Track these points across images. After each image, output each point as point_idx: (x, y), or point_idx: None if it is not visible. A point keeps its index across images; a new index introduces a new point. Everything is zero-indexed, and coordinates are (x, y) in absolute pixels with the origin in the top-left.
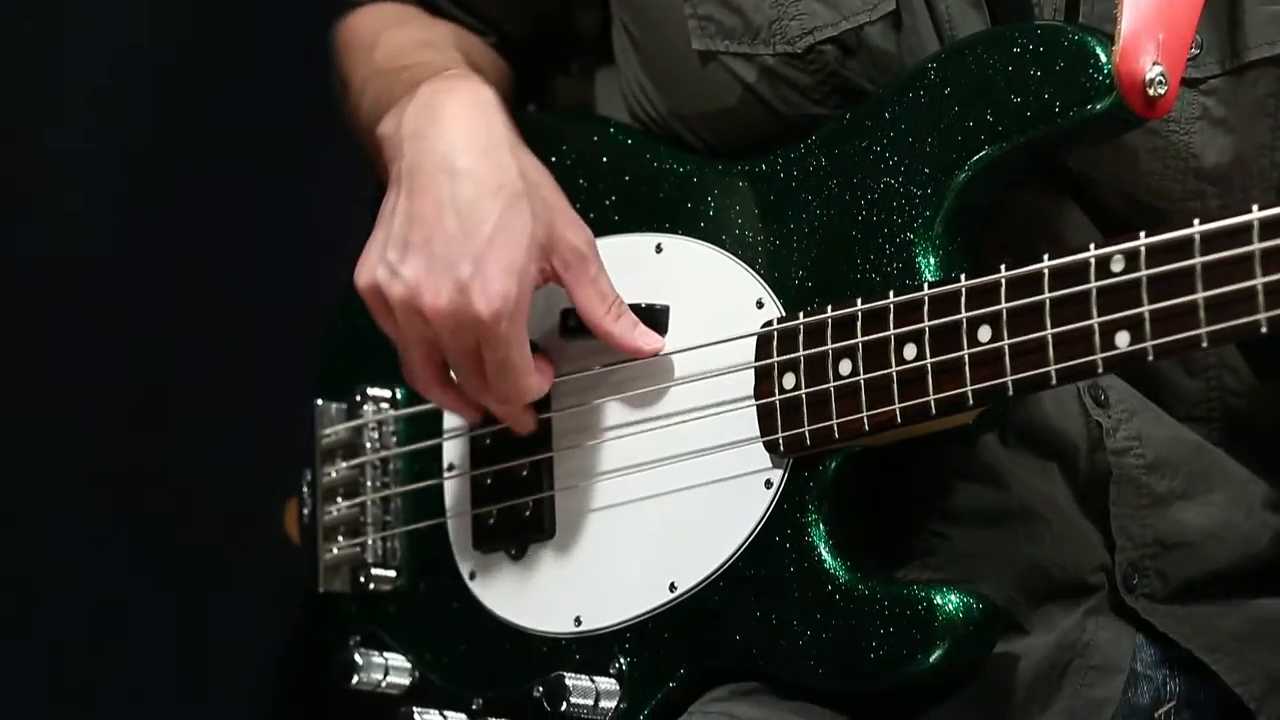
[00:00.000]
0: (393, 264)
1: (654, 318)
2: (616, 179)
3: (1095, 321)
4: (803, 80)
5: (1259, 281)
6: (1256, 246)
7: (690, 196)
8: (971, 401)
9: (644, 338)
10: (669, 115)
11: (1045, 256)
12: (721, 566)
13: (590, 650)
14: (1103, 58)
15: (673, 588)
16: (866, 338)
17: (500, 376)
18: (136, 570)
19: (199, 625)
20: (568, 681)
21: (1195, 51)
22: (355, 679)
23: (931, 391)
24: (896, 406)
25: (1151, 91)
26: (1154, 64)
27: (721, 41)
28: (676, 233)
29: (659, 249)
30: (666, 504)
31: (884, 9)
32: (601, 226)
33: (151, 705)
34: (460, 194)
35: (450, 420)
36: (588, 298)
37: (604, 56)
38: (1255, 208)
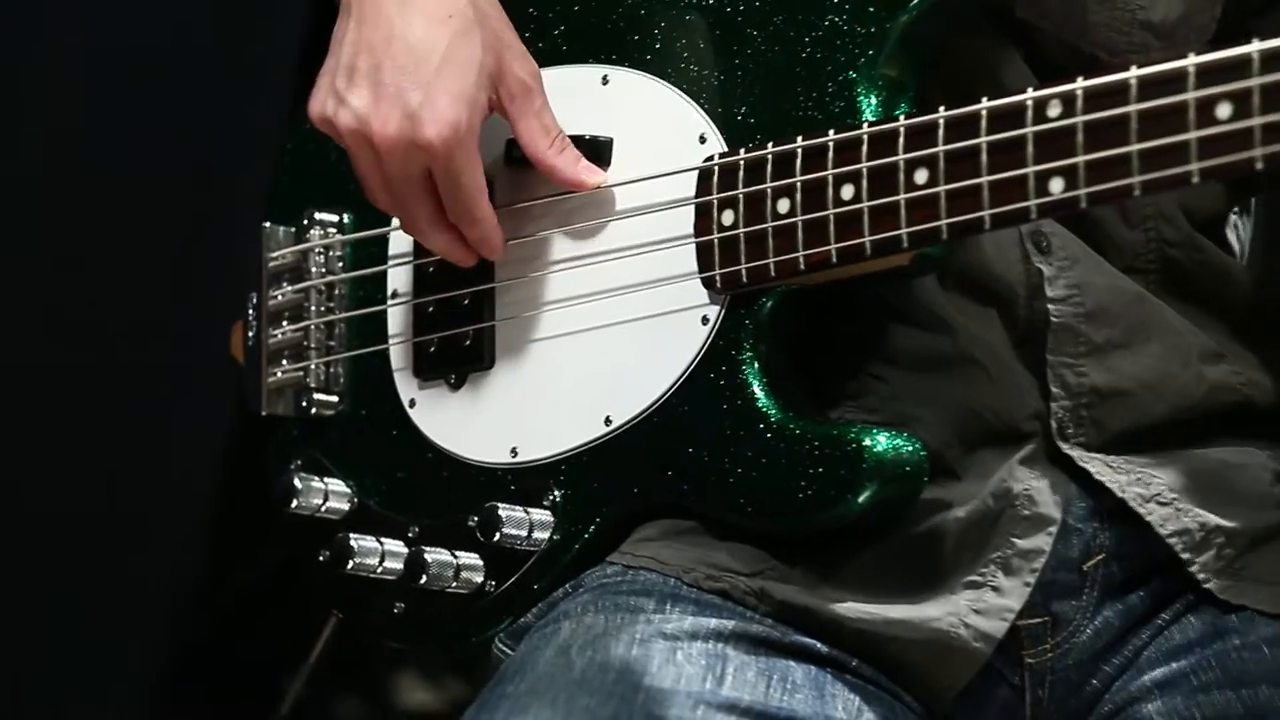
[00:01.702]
0: (341, 92)
1: (597, 150)
2: (565, 9)
3: (1030, 168)
4: None
5: (1193, 135)
6: (1191, 95)
7: (638, 29)
8: (906, 244)
9: (586, 172)
10: None
11: (984, 99)
12: (656, 401)
13: (525, 481)
14: None
15: (608, 421)
16: (805, 177)
17: (452, 202)
18: (83, 390)
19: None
20: (502, 512)
21: None
22: (294, 503)
23: (867, 232)
24: (832, 247)
25: None
26: None
27: None
28: (623, 65)
29: (605, 80)
30: (605, 337)
31: None
32: (549, 57)
33: (86, 521)
34: (410, 23)
35: (395, 247)
36: (531, 130)
37: None
38: (1192, 54)
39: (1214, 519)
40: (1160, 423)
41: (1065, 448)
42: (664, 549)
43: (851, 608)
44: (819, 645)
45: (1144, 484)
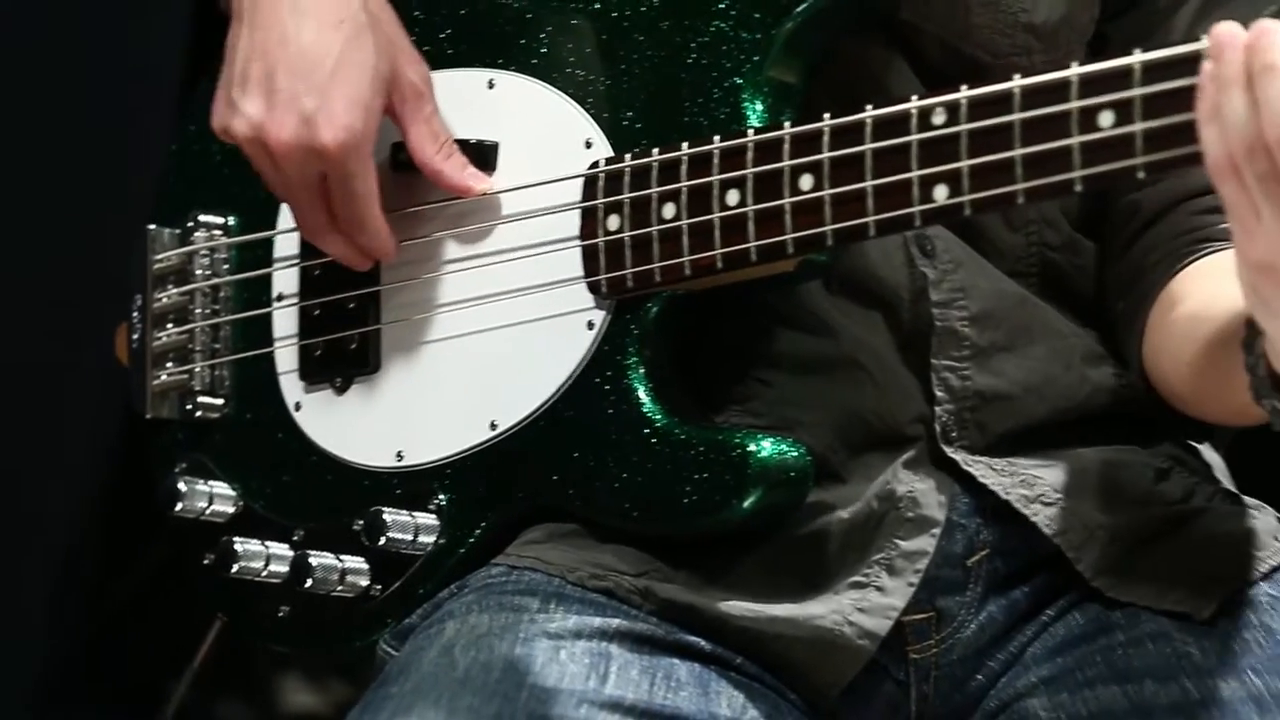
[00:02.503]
0: (235, 100)
1: (483, 154)
2: (452, 13)
3: (914, 174)
4: None
5: (1076, 142)
6: (1074, 104)
7: (525, 33)
8: (791, 249)
9: (472, 178)
10: None
11: (869, 106)
12: (542, 406)
13: (411, 485)
14: None
15: (493, 426)
16: (690, 182)
17: (346, 206)
18: None
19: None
20: (387, 516)
21: None
22: (179, 506)
23: (752, 238)
24: (718, 252)
25: None
26: None
27: None
28: (510, 69)
29: (491, 85)
30: (490, 342)
31: None
32: (435, 60)
33: None
34: (302, 28)
35: (281, 250)
36: (420, 135)
37: None
38: (1075, 64)
39: (1098, 517)
40: (1043, 424)
41: (949, 451)
42: (549, 550)
43: (736, 606)
44: (704, 643)
45: (1028, 485)
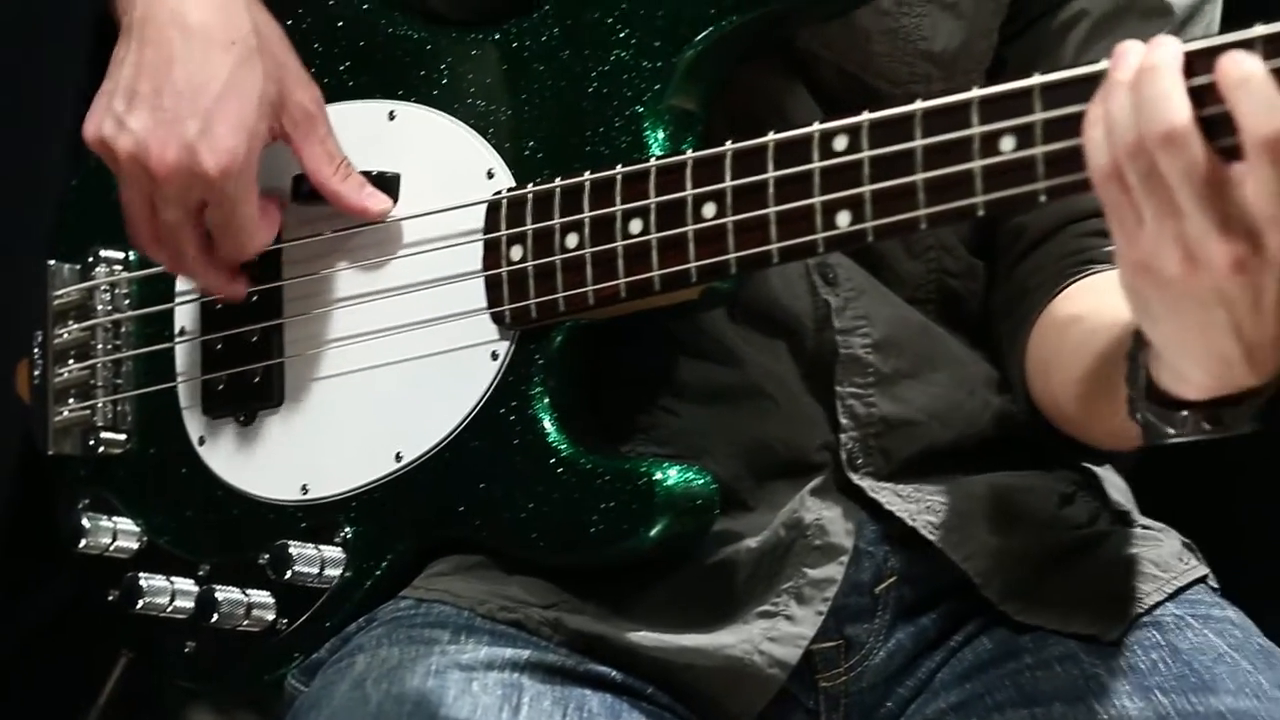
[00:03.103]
0: (120, 115)
1: (385, 185)
2: (351, 44)
3: (817, 200)
4: None
5: (976, 165)
6: (976, 130)
7: (425, 64)
8: (695, 278)
9: (372, 199)
10: None
11: (771, 132)
12: (447, 438)
13: (317, 519)
14: None
15: (399, 458)
16: (593, 211)
17: (225, 234)
18: None
19: None
20: (292, 550)
21: None
22: (83, 542)
23: (656, 266)
24: (621, 281)
25: None
26: None
27: None
28: (410, 100)
29: (392, 116)
30: (395, 373)
31: None
32: (335, 93)
33: None
34: (192, 47)
35: (183, 284)
36: (315, 157)
37: None
38: (975, 87)
39: (1003, 542)
40: (948, 450)
41: (855, 478)
42: (457, 582)
43: (646, 636)
44: (614, 674)
45: (934, 511)
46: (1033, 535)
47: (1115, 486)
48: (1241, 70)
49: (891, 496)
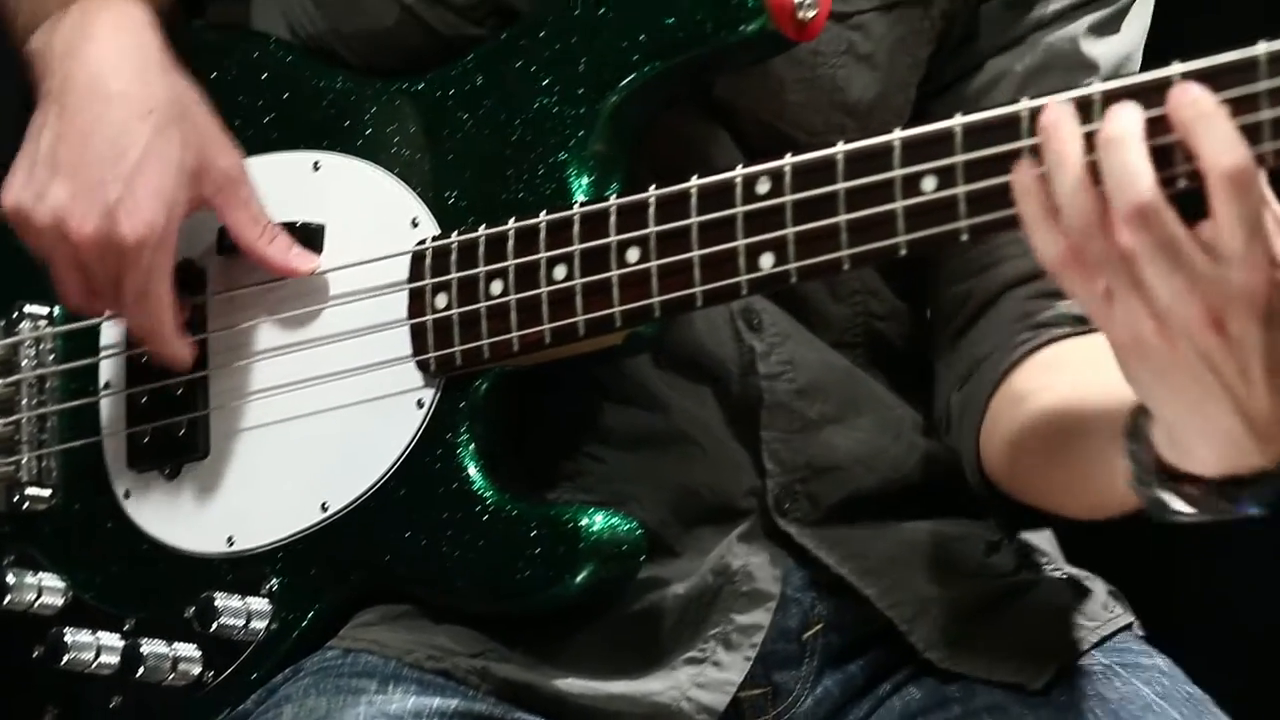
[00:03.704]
0: (40, 185)
1: (309, 236)
2: (275, 96)
3: (740, 243)
4: (460, 1)
5: (898, 205)
6: (898, 172)
7: (349, 114)
8: (619, 323)
9: (298, 259)
10: (328, 33)
11: (694, 177)
12: (373, 486)
13: (243, 570)
14: None
15: (325, 508)
16: (518, 259)
17: (138, 305)
18: None
19: None
20: (218, 602)
21: None
22: (7, 599)
23: (580, 312)
24: (546, 327)
25: (801, 15)
26: None
27: None
28: (335, 150)
29: (316, 166)
30: (321, 423)
31: None
32: (259, 144)
33: None
34: (110, 117)
35: (107, 338)
36: (240, 222)
37: None
38: (898, 129)
39: (930, 590)
40: (874, 495)
41: (782, 523)
42: (384, 632)
43: (574, 684)
44: None
45: (859, 557)
46: (959, 583)
47: (1042, 536)
48: (1200, 107)
49: (817, 542)
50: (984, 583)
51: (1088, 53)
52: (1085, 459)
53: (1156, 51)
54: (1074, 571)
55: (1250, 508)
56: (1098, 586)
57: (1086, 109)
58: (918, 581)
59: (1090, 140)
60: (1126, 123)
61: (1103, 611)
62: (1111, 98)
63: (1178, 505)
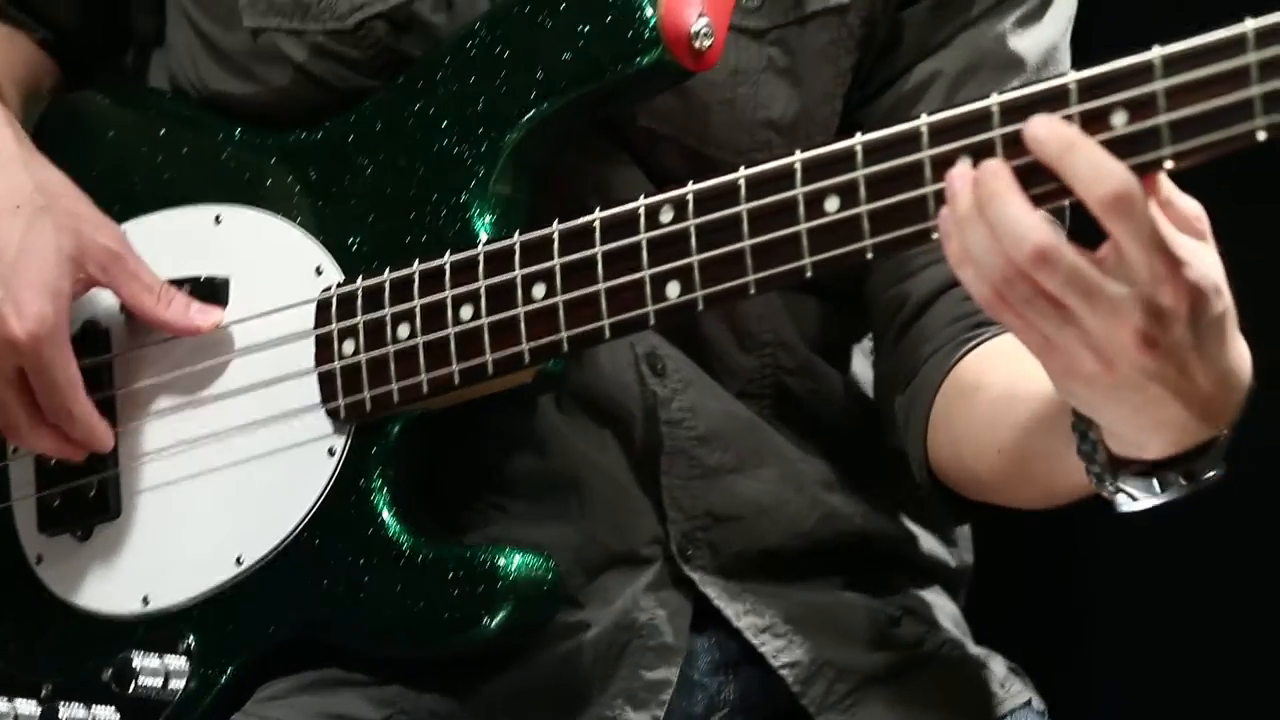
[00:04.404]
0: None
1: (213, 290)
2: (174, 151)
3: (646, 273)
4: (354, 55)
5: (802, 227)
6: (799, 190)
7: (248, 167)
8: (528, 359)
9: (200, 316)
10: (222, 92)
11: (597, 209)
12: (287, 537)
13: (159, 630)
14: (648, 11)
15: (239, 561)
16: (424, 300)
17: (50, 398)
18: None
19: None
20: (136, 662)
21: (755, 3)
22: None
23: (489, 350)
24: (455, 368)
25: (698, 44)
26: (700, 16)
27: (273, 19)
28: (235, 203)
29: (218, 220)
30: (232, 476)
31: None
32: (159, 200)
33: None
34: None
35: None
36: (133, 293)
37: (157, 37)
38: (798, 151)
39: (828, 653)
40: (774, 548)
41: (686, 569)
42: (286, 708)
43: None
44: None
45: (759, 614)
46: (859, 650)
47: (946, 613)
48: (1059, 141)
49: (719, 592)
50: (882, 653)
51: (1014, 48)
52: (1033, 451)
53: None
54: (975, 650)
55: (1209, 473)
56: (997, 664)
57: (986, 120)
58: (817, 643)
59: None
60: (997, 178)
61: (1000, 690)
62: (1010, 109)
63: (1141, 494)
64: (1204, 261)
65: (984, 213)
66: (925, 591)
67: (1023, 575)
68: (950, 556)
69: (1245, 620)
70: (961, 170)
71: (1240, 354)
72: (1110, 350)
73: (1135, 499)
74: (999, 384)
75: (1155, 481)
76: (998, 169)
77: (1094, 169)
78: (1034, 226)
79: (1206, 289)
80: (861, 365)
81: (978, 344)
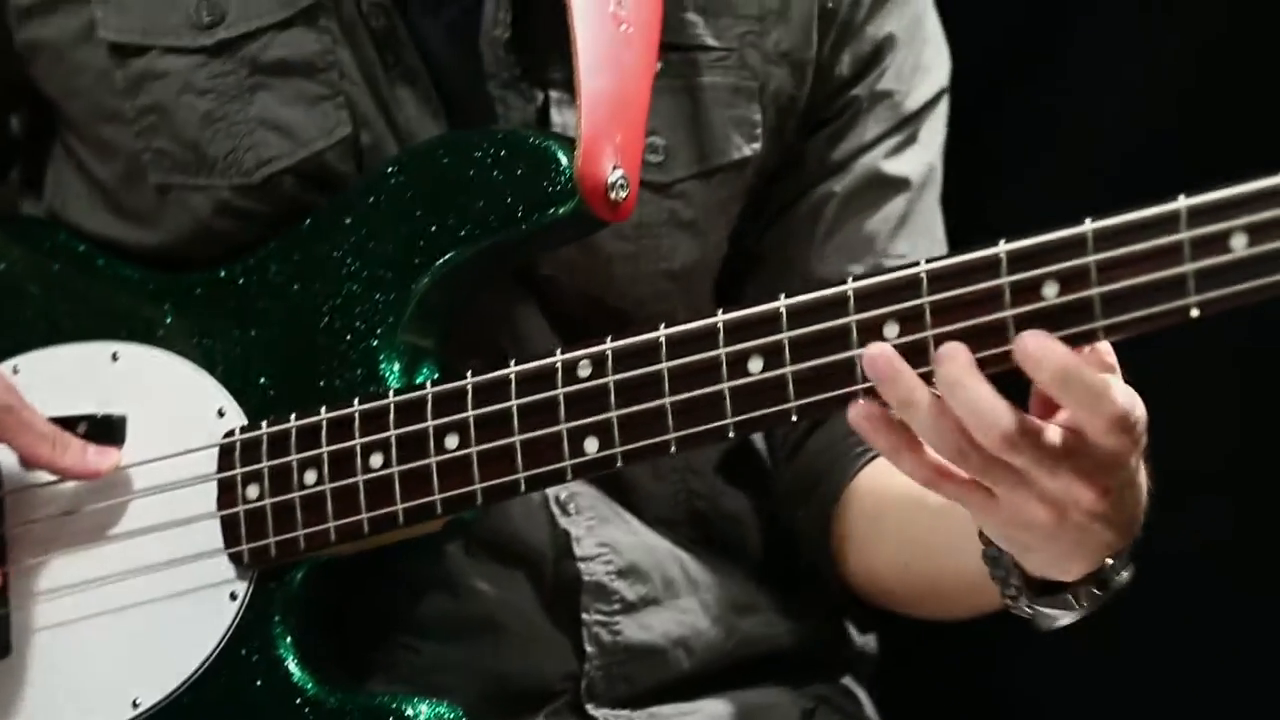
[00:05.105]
0: None
1: (109, 429)
2: (70, 287)
3: (563, 428)
4: (262, 210)
5: (725, 386)
6: (723, 350)
7: (148, 305)
8: (440, 510)
9: (96, 459)
10: (124, 241)
11: (512, 362)
12: (186, 681)
13: None
14: (564, 162)
15: (135, 704)
16: (332, 447)
17: None
18: None
19: None
20: None
21: (660, 158)
22: None
23: (399, 500)
24: (364, 516)
25: (613, 195)
26: (615, 168)
27: (178, 175)
28: (134, 340)
29: (115, 357)
30: (130, 618)
31: (340, 133)
32: (56, 335)
33: None
34: None
35: None
36: (27, 445)
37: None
38: (720, 312)
39: None
40: (690, 674)
41: (590, 708)
42: None
43: None
44: None
45: None
46: None
47: (860, 700)
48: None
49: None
50: None
51: (896, 171)
52: (941, 567)
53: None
54: None
55: (1122, 577)
56: None
57: (915, 286)
58: None
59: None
60: (955, 361)
61: None
62: (938, 276)
63: (1058, 615)
64: (1139, 404)
65: (946, 398)
66: (840, 681)
67: (937, 660)
68: (863, 645)
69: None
70: (883, 357)
71: (1144, 470)
72: (1067, 502)
73: (1054, 619)
74: (902, 501)
75: (1070, 597)
76: (954, 351)
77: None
78: (1003, 413)
79: (1143, 430)
80: (771, 480)
81: (875, 455)
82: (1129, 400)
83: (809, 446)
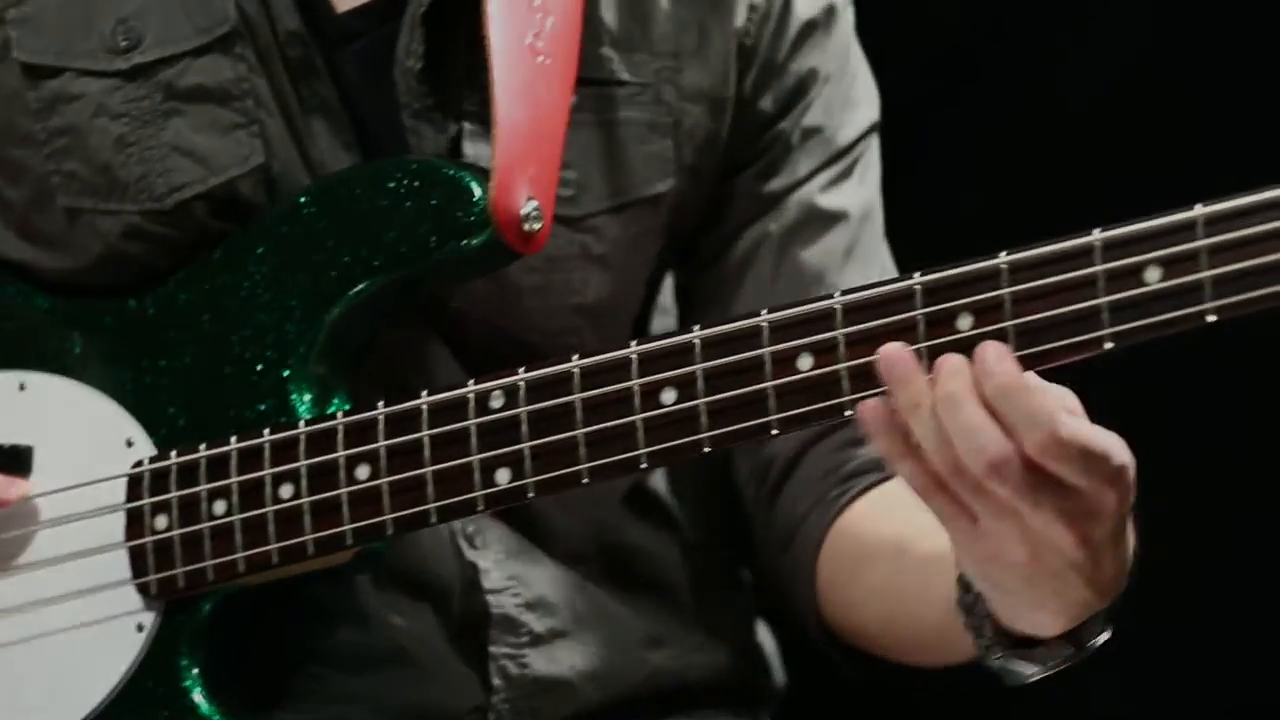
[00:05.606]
0: None
1: (16, 459)
2: None
3: (475, 458)
4: (173, 236)
5: (638, 418)
6: (636, 382)
7: (54, 334)
8: (351, 540)
9: (4, 486)
10: (33, 265)
11: (424, 393)
12: (90, 714)
13: None
14: (477, 193)
15: None
16: (241, 477)
17: None
18: None
19: None
20: None
21: (572, 192)
22: None
23: (309, 530)
24: (273, 546)
25: (527, 227)
26: (529, 199)
27: (88, 199)
28: (42, 370)
29: (22, 387)
30: (35, 650)
31: (254, 161)
32: None
33: None
34: None
35: None
36: None
37: None
38: (634, 343)
39: None
40: (600, 708)
41: None
42: None
43: None
44: None
45: None
46: None
47: None
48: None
49: None
50: None
51: (833, 205)
52: (921, 617)
53: None
54: None
55: (1096, 638)
56: None
57: (829, 318)
58: None
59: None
60: (956, 378)
61: None
62: (853, 308)
63: (1027, 669)
64: (1125, 453)
65: (941, 413)
66: (752, 715)
67: (849, 694)
68: (774, 679)
69: None
70: (897, 357)
71: (1131, 533)
72: (1046, 544)
73: (1023, 675)
74: (884, 549)
75: (1043, 652)
76: (959, 367)
77: (1032, 423)
78: (993, 440)
79: (1130, 486)
80: (683, 514)
81: (852, 498)
82: (1109, 445)
83: (785, 493)
